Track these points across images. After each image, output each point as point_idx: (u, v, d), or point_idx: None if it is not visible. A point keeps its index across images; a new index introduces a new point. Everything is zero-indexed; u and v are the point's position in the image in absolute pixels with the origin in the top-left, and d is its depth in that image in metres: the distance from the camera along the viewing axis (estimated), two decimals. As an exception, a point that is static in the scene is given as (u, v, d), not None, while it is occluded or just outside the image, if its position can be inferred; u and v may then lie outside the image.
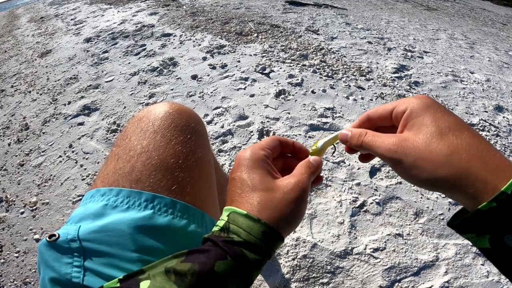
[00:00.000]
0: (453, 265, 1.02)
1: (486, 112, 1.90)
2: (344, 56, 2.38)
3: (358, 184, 1.27)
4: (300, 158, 0.41)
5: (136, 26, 2.95)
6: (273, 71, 2.05)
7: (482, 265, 1.03)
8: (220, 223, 0.34)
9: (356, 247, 1.06)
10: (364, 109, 1.74)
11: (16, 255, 1.13)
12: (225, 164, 1.38)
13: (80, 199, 1.29)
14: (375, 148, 0.33)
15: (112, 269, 0.37)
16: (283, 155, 0.42)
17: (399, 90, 2.00)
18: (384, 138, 0.32)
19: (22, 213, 1.28)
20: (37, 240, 1.17)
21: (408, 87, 2.05)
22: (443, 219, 1.16)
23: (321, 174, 0.42)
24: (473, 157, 0.27)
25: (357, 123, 0.38)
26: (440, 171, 0.27)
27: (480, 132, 1.69)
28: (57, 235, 0.39)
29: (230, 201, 0.35)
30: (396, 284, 0.98)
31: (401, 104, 0.33)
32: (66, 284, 0.37)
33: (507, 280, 0.98)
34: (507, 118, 1.87)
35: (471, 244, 1.07)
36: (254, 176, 0.35)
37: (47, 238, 0.39)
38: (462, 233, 0.29)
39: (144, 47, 2.52)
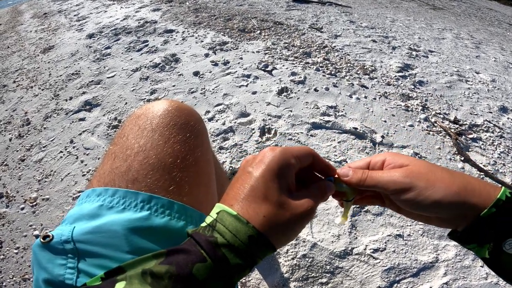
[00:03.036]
0: (452, 266, 1.02)
1: (491, 112, 1.87)
2: (348, 54, 2.36)
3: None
4: (323, 172, 0.39)
5: (139, 22, 2.94)
6: (275, 68, 2.04)
7: (482, 267, 1.02)
8: (208, 219, 0.32)
9: (356, 247, 1.05)
10: (367, 108, 1.72)
11: (16, 251, 1.13)
12: (225, 161, 1.37)
13: (80, 195, 1.29)
14: (382, 181, 0.35)
15: (106, 270, 0.37)
16: (307, 169, 0.39)
17: (403, 89, 1.97)
18: (387, 172, 0.36)
19: (22, 208, 1.29)
20: (37, 236, 1.17)
21: (412, 87, 2.03)
22: (445, 220, 1.15)
23: None
24: (468, 177, 0.33)
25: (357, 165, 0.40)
26: (452, 187, 0.31)
27: (484, 133, 1.67)
28: (51, 236, 0.38)
29: (232, 197, 0.33)
30: (395, 285, 0.97)
31: (374, 158, 0.39)
32: (59, 286, 0.36)
33: (505, 283, 0.98)
34: (511, 119, 1.84)
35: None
36: (272, 185, 0.32)
37: (41, 239, 0.38)
38: (464, 244, 0.33)
39: (147, 43, 2.51)
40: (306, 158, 0.36)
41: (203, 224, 0.32)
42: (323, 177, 0.39)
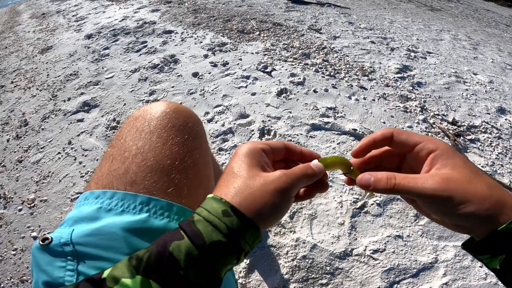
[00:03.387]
0: (451, 267, 1.02)
1: (489, 114, 1.88)
2: (347, 56, 2.36)
3: (359, 185, 1.26)
4: (306, 161, 0.40)
5: (138, 23, 2.94)
6: (275, 69, 2.04)
7: (481, 267, 1.03)
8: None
9: (356, 248, 1.05)
10: (366, 109, 1.73)
11: (14, 252, 1.12)
12: (225, 163, 1.37)
13: (78, 197, 1.29)
14: (416, 190, 0.32)
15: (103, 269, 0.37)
16: (289, 162, 0.41)
17: (402, 90, 1.98)
18: (423, 178, 0.32)
19: (20, 210, 1.28)
20: (35, 238, 1.17)
21: (411, 88, 2.04)
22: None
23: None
24: (505, 194, 0.31)
25: (377, 136, 0.38)
26: (485, 204, 0.30)
27: (482, 135, 1.68)
28: (50, 239, 0.38)
29: (216, 188, 0.35)
30: (395, 285, 0.97)
31: (429, 142, 0.34)
32: None
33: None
34: (509, 120, 1.85)
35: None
36: (241, 164, 0.35)
37: (40, 242, 0.38)
38: (477, 255, 0.32)
39: (145, 44, 2.50)
40: (277, 145, 0.39)
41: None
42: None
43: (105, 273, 0.29)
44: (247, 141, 0.38)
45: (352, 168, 0.39)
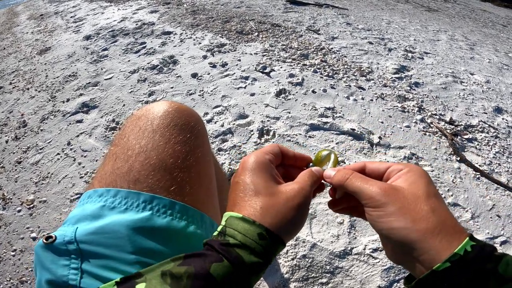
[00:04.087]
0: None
1: (486, 113, 1.90)
2: (345, 56, 2.38)
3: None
4: (301, 167, 0.41)
5: (136, 24, 2.94)
6: (273, 70, 2.05)
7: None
8: (219, 228, 0.34)
9: (355, 247, 1.06)
10: (364, 109, 1.74)
11: (13, 253, 1.12)
12: (224, 163, 1.37)
13: (78, 197, 1.28)
14: (362, 187, 0.33)
15: (110, 271, 0.37)
16: (284, 165, 0.42)
17: (399, 90, 1.99)
18: (374, 181, 0.34)
19: (19, 211, 1.28)
20: (34, 239, 1.16)
21: (409, 88, 2.05)
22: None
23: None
24: (446, 218, 0.29)
25: (350, 167, 0.39)
26: (419, 224, 0.29)
27: (479, 134, 1.70)
28: (54, 237, 0.38)
29: (232, 205, 0.35)
30: (395, 284, 0.98)
31: (400, 165, 0.36)
32: (63, 286, 0.36)
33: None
34: (506, 120, 1.87)
35: None
36: (258, 181, 0.35)
37: (44, 240, 0.38)
38: None
39: (144, 45, 2.50)
40: (276, 151, 0.39)
41: (215, 233, 0.33)
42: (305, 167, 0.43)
43: None
44: (250, 153, 0.38)
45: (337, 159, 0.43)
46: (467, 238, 0.28)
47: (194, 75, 2.03)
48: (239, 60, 2.17)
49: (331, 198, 0.41)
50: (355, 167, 0.39)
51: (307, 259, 1.01)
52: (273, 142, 1.47)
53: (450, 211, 0.31)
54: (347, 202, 0.40)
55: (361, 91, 1.91)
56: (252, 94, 1.81)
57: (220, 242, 0.31)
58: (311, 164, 0.41)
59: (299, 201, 0.34)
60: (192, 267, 0.29)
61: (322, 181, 0.40)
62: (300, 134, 1.52)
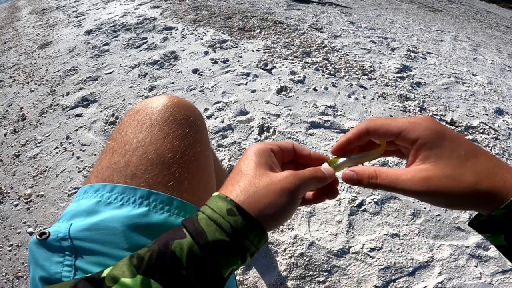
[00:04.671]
0: (447, 266, 1.02)
1: (487, 115, 1.89)
2: (347, 55, 2.36)
3: (357, 183, 1.26)
4: (316, 166, 0.39)
5: (138, 19, 2.92)
6: (275, 67, 2.03)
7: (476, 266, 1.03)
8: None
9: (353, 246, 1.05)
10: (366, 108, 1.73)
11: (9, 248, 1.12)
12: (224, 159, 1.37)
13: (76, 192, 1.28)
14: (398, 189, 0.31)
15: (104, 268, 0.36)
16: (296, 163, 0.40)
17: (401, 90, 1.98)
18: (404, 177, 0.31)
19: (16, 205, 1.27)
20: (31, 234, 1.16)
21: (410, 88, 2.04)
22: (439, 220, 1.15)
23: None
24: (493, 181, 0.29)
25: (351, 136, 0.37)
26: (474, 197, 0.29)
27: (480, 135, 1.68)
28: (47, 233, 0.38)
29: (223, 187, 0.34)
30: (391, 284, 0.97)
31: (411, 131, 0.32)
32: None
33: (499, 282, 1.00)
34: (507, 122, 1.86)
35: (465, 246, 1.08)
36: (249, 164, 0.34)
37: (38, 236, 0.38)
38: (480, 233, 0.31)
39: (146, 40, 2.49)
40: (286, 146, 0.38)
41: None
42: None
43: (105, 272, 0.29)
44: (256, 143, 0.37)
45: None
46: None
47: (195, 71, 2.02)
48: (241, 57, 2.15)
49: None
50: (358, 134, 0.36)
51: (304, 257, 1.01)
52: (273, 139, 1.46)
53: (495, 163, 0.31)
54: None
55: (362, 90, 1.90)
56: (253, 91, 1.79)
57: (191, 218, 0.30)
58: (326, 163, 0.38)
59: (283, 186, 0.31)
60: (155, 245, 0.29)
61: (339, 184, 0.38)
62: (301, 131, 1.51)
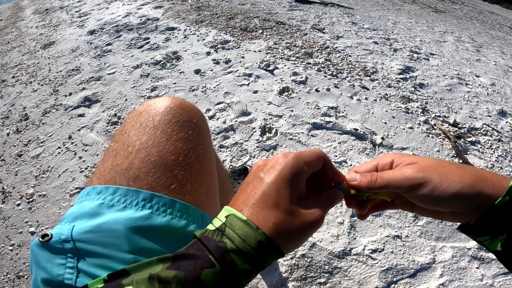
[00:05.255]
0: (449, 268, 1.02)
1: (490, 116, 1.88)
2: (349, 56, 2.36)
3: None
4: (332, 182, 0.39)
5: (141, 19, 2.93)
6: (277, 68, 2.03)
7: (477, 268, 1.03)
8: (216, 223, 0.32)
9: (354, 247, 1.05)
10: (368, 109, 1.72)
11: (11, 248, 1.12)
12: (226, 160, 1.37)
13: (78, 192, 1.28)
14: (394, 179, 0.34)
15: (106, 270, 0.36)
16: (320, 176, 0.39)
17: (404, 91, 1.97)
18: (398, 170, 0.35)
19: (18, 205, 1.28)
20: (33, 233, 1.16)
21: (413, 89, 2.03)
22: (441, 222, 1.15)
23: None
24: (477, 169, 0.32)
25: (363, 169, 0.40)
26: (465, 179, 0.31)
27: (483, 137, 1.68)
28: (50, 235, 0.37)
29: (242, 202, 0.32)
30: (392, 285, 0.97)
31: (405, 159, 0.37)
32: (59, 286, 0.35)
33: (501, 284, 0.99)
34: (510, 123, 1.85)
35: (467, 248, 1.07)
36: (283, 193, 0.32)
37: (40, 238, 0.37)
38: (476, 237, 0.32)
39: (148, 40, 2.50)
40: (317, 163, 0.36)
41: (211, 227, 0.32)
42: (332, 183, 0.39)
43: None
44: (289, 153, 0.34)
45: (368, 195, 0.40)
46: None
47: (197, 71, 2.02)
48: (243, 57, 2.16)
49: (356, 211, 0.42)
50: (370, 168, 0.39)
51: (306, 259, 1.01)
52: (275, 140, 1.46)
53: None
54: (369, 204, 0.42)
55: (365, 91, 1.90)
56: (255, 92, 1.79)
57: (216, 244, 0.29)
58: (340, 185, 0.38)
59: (314, 226, 0.33)
60: (181, 272, 0.28)
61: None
62: (303, 132, 1.51)
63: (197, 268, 0.28)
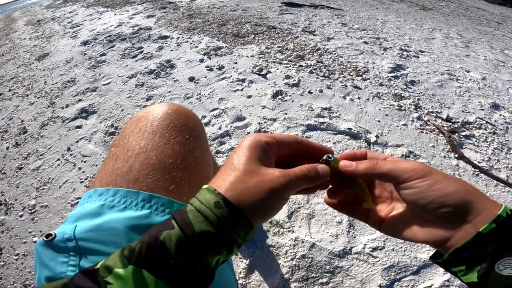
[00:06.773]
0: (451, 263, 1.03)
1: (483, 110, 1.91)
2: (341, 56, 2.39)
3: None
4: (319, 158, 0.38)
5: (133, 29, 2.95)
6: (270, 72, 2.06)
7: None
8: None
9: (354, 246, 1.06)
10: (361, 108, 1.75)
11: (16, 257, 1.13)
12: (222, 165, 1.38)
13: (79, 202, 1.29)
14: (399, 167, 0.33)
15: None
16: (303, 156, 0.39)
17: (396, 89, 2.01)
18: (401, 160, 0.35)
19: (21, 216, 1.28)
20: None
21: (404, 87, 2.06)
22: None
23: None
24: (474, 189, 0.31)
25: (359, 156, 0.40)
26: (467, 186, 0.31)
27: (477, 130, 1.71)
28: (53, 235, 0.39)
29: (213, 178, 0.34)
30: (396, 283, 0.97)
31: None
32: None
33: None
34: (503, 116, 1.88)
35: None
36: (242, 158, 0.34)
37: (44, 238, 0.39)
38: (449, 268, 0.30)
39: (141, 50, 2.52)
40: (287, 140, 0.37)
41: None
42: (321, 160, 0.38)
43: (99, 264, 0.30)
44: (254, 133, 0.36)
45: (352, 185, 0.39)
46: (503, 205, 0.29)
47: (191, 79, 2.04)
48: (236, 63, 2.18)
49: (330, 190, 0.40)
50: (357, 154, 0.39)
51: (306, 259, 1.02)
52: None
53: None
54: (344, 195, 0.40)
55: (357, 91, 1.93)
56: (249, 96, 1.82)
57: (179, 210, 0.31)
58: (327, 156, 0.37)
59: (272, 186, 0.31)
60: (146, 236, 0.30)
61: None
62: (297, 134, 1.53)
63: (159, 231, 0.29)
